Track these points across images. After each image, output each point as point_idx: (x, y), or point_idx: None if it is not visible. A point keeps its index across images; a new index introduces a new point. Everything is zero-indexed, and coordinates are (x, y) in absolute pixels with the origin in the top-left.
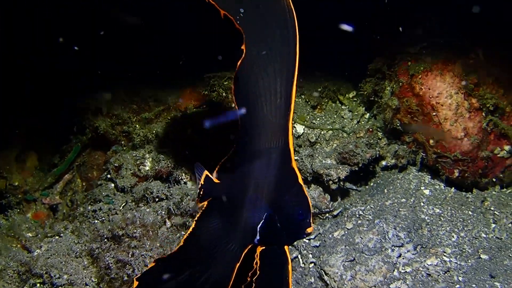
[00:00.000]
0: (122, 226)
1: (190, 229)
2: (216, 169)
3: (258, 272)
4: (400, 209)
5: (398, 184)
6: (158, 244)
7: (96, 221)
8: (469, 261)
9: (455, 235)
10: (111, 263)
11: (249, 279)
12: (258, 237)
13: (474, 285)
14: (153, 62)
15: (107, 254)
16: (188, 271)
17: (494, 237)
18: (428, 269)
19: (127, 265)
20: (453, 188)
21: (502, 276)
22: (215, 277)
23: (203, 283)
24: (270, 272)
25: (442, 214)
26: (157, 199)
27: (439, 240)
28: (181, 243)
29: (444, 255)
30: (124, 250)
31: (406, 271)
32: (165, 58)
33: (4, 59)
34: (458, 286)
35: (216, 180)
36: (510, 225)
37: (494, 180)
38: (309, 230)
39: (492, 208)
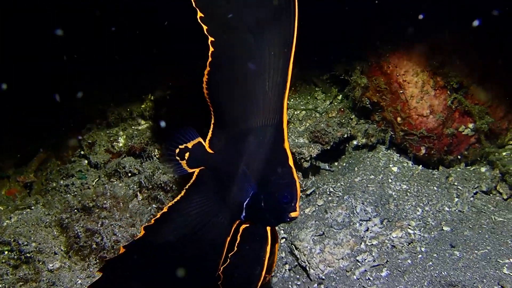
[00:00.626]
0: (93, 198)
1: (179, 197)
2: (208, 137)
3: (235, 248)
4: (369, 185)
5: (368, 162)
6: (128, 215)
7: (68, 195)
8: (432, 233)
9: (420, 209)
10: (80, 232)
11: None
12: (244, 214)
13: (435, 255)
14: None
15: (77, 224)
16: (174, 238)
17: (456, 210)
18: (393, 241)
19: (96, 234)
20: (420, 166)
21: (461, 245)
22: (205, 250)
23: (193, 254)
24: (248, 250)
25: (409, 190)
26: (129, 174)
27: (404, 214)
28: (165, 210)
29: (409, 228)
30: (93, 220)
31: (372, 244)
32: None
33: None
34: (420, 256)
35: (209, 150)
36: (471, 198)
37: (459, 157)
38: (293, 214)
39: (455, 183)
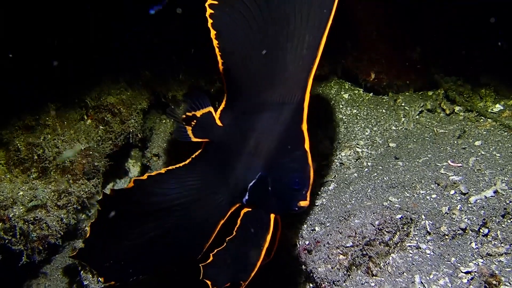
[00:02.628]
0: (35, 117)
1: (181, 164)
2: (220, 108)
3: (234, 233)
4: (319, 111)
5: (320, 91)
6: (72, 132)
7: None
8: (379, 149)
9: (368, 130)
10: (21, 146)
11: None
12: (246, 197)
13: (380, 167)
14: None
15: (17, 139)
16: (162, 203)
17: (403, 128)
18: (341, 159)
19: (38, 147)
20: (371, 93)
21: (405, 156)
22: (195, 229)
23: (180, 229)
24: (247, 237)
25: (359, 114)
26: (76, 100)
27: (354, 135)
28: (162, 171)
29: (357, 147)
30: (35, 136)
31: (322, 164)
32: None
33: None
34: (366, 169)
35: (218, 122)
36: (417, 116)
37: (407, 82)
38: (302, 203)
39: (403, 104)
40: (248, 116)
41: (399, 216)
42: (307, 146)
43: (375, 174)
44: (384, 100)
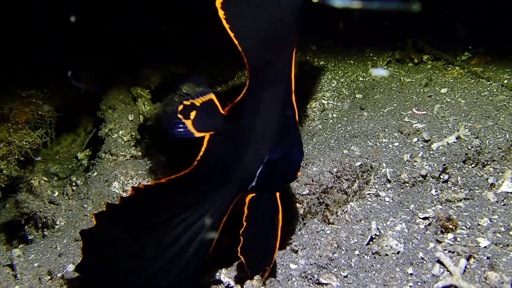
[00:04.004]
0: None
1: (188, 170)
2: (229, 106)
3: (244, 223)
4: None
5: None
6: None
7: None
8: (345, 101)
9: (335, 82)
10: None
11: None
12: (253, 184)
13: (345, 118)
14: None
15: None
16: (167, 213)
17: (370, 79)
18: (306, 111)
19: None
20: (340, 45)
21: (370, 107)
22: (198, 231)
23: (182, 234)
24: (259, 223)
25: (326, 66)
26: None
27: (320, 87)
28: (174, 177)
29: (323, 99)
30: None
31: None
32: None
33: None
34: (331, 121)
35: (221, 110)
36: (385, 66)
37: (377, 33)
38: (299, 174)
39: (371, 55)
40: (251, 98)
41: (359, 163)
42: (296, 116)
43: (340, 125)
44: (352, 51)
